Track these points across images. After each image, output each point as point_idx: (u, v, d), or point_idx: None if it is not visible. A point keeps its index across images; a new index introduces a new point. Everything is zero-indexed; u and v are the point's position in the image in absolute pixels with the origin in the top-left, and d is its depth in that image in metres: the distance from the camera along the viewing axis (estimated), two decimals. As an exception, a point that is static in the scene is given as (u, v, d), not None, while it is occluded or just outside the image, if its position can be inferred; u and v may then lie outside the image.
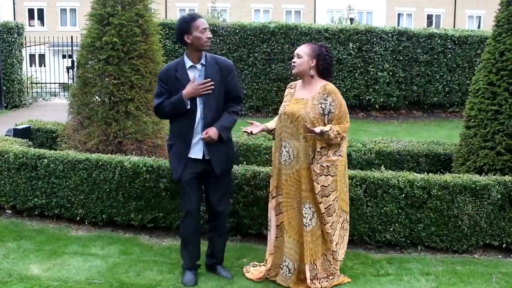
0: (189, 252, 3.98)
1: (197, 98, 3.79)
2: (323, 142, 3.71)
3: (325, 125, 3.73)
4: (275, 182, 3.96)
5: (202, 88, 3.74)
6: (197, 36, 3.75)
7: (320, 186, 3.73)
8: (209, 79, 3.77)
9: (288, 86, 4.08)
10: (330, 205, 3.78)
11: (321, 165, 3.72)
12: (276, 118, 4.05)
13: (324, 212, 3.76)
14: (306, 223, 3.79)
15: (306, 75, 3.85)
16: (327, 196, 3.76)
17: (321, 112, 3.75)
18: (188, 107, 3.76)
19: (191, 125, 3.81)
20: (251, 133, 3.90)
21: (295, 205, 3.84)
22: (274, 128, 4.00)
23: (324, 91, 3.77)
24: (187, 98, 3.73)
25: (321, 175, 3.72)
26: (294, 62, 3.85)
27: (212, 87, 3.77)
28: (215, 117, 3.82)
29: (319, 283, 3.82)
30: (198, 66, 3.84)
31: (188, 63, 3.85)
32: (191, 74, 3.84)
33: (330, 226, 3.81)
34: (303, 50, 3.83)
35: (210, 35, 3.83)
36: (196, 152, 3.84)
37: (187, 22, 3.77)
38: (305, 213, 3.79)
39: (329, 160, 3.74)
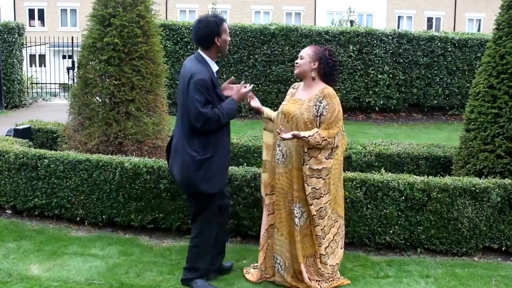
0: (211, 257, 3.88)
1: None
2: (308, 144, 3.71)
3: (318, 127, 3.74)
4: (269, 180, 3.98)
5: (246, 91, 3.78)
6: (225, 39, 3.73)
7: (311, 188, 3.74)
8: (246, 83, 3.85)
9: (291, 86, 4.12)
10: (321, 207, 3.78)
11: (310, 167, 3.73)
12: (277, 112, 4.05)
13: (315, 214, 3.77)
14: (297, 222, 3.81)
15: (307, 77, 3.87)
16: (318, 199, 3.76)
17: (315, 114, 3.77)
18: None
19: (229, 131, 3.84)
20: (249, 103, 4.02)
21: (287, 204, 3.86)
22: (271, 119, 4.05)
23: (321, 93, 3.79)
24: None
25: (311, 177, 3.73)
26: (296, 63, 3.91)
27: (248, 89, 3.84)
28: None
29: (319, 284, 3.83)
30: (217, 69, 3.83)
31: (215, 67, 3.75)
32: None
33: (321, 229, 3.81)
34: (306, 52, 3.89)
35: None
36: None
37: (218, 25, 3.67)
38: (296, 213, 3.81)
39: (318, 163, 3.73)
